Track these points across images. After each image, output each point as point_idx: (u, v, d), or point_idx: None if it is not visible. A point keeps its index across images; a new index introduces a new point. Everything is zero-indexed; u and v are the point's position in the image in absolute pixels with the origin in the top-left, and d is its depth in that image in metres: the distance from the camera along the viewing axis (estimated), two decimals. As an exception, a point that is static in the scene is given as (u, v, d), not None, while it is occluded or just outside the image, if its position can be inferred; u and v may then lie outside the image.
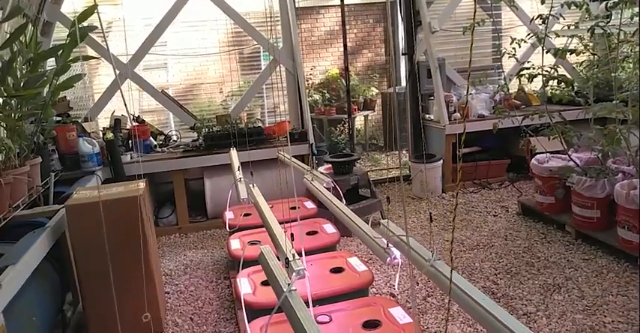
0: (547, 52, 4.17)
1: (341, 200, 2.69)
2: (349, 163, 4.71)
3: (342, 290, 2.65)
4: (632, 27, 4.12)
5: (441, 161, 5.34)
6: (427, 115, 5.79)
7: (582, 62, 5.49)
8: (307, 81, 8.01)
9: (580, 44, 5.10)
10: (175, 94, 7.31)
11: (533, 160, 4.40)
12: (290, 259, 1.72)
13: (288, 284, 1.66)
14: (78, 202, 2.86)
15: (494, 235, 4.18)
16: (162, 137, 5.38)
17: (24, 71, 3.05)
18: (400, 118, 6.21)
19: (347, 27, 6.17)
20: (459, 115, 5.47)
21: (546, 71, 4.12)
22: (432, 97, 5.69)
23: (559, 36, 4.51)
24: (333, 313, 2.36)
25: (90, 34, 4.32)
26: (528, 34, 4.59)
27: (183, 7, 5.25)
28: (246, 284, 2.75)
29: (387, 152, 7.68)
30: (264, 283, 2.66)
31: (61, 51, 3.18)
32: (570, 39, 4.92)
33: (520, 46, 4.52)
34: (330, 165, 4.81)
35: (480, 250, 3.91)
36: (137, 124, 5.07)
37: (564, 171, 3.98)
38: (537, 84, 4.68)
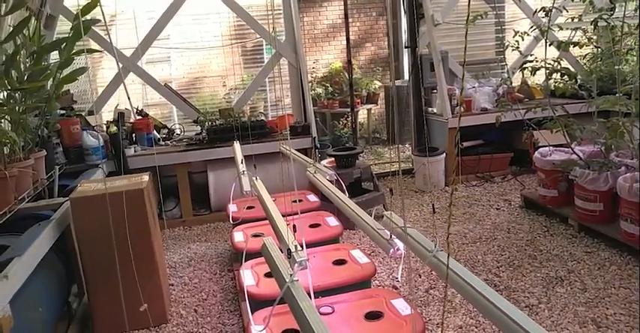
0: (550, 45, 4.15)
1: (344, 193, 2.69)
2: (352, 156, 4.71)
3: (345, 282, 2.67)
4: (636, 19, 4.10)
5: (444, 154, 5.33)
6: (430, 109, 5.77)
7: (586, 55, 5.47)
8: (310, 74, 8.00)
9: (583, 37, 5.07)
10: (178, 87, 7.33)
11: (536, 154, 4.40)
12: (292, 250, 1.73)
13: (291, 275, 1.67)
14: (82, 194, 2.87)
15: (497, 228, 4.19)
16: (166, 131, 5.39)
17: (27, 64, 3.06)
18: (403, 111, 6.21)
19: (350, 20, 6.15)
20: (462, 108, 5.46)
21: (549, 64, 4.11)
22: (435, 91, 5.67)
23: (562, 29, 4.48)
24: (335, 304, 2.37)
25: (93, 27, 4.32)
26: (531, 27, 4.58)
27: (186, 1, 5.24)
28: (249, 276, 2.77)
29: (390, 146, 7.68)
30: (268, 275, 2.68)
31: (64, 44, 3.18)
32: (574, 32, 4.90)
33: (523, 39, 4.51)
34: (333, 158, 4.81)
35: (482, 243, 3.92)
36: (140, 117, 5.07)
37: (567, 164, 3.98)
38: (540, 77, 4.67)
